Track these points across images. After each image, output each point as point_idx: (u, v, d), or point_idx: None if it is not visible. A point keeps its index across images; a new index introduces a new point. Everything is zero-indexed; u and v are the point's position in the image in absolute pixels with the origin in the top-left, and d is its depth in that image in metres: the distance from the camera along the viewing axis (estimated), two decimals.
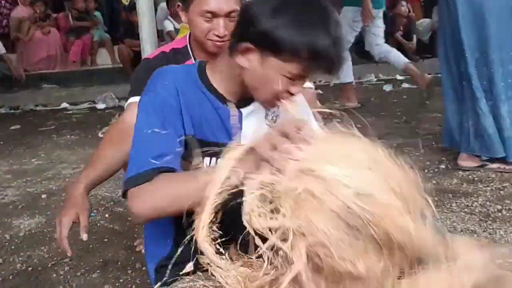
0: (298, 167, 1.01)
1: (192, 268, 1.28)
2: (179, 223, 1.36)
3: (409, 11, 8.71)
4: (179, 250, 1.19)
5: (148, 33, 2.97)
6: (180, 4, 1.79)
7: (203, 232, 1.08)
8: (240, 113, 1.32)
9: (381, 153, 1.07)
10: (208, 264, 1.26)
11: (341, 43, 1.19)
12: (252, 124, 1.34)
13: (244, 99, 1.32)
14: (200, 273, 1.31)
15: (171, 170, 1.18)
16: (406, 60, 5.49)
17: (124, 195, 1.20)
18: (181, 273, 1.28)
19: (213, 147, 1.27)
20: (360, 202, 0.95)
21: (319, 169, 0.99)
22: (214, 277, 1.26)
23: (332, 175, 0.98)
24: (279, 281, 1.11)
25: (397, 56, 5.42)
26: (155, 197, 1.16)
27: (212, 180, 1.08)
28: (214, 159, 1.31)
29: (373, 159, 1.04)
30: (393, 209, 0.97)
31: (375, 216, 0.95)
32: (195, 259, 1.28)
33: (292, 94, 1.24)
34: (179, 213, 1.14)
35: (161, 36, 7.92)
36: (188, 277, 1.31)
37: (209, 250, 1.09)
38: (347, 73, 5.18)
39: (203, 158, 1.29)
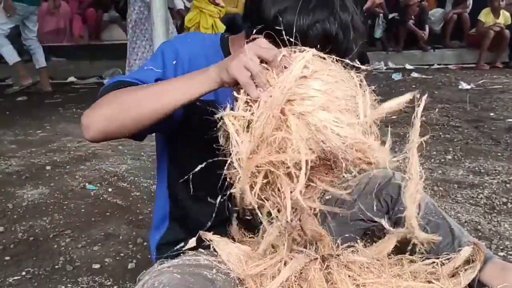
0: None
1: (194, 244, 1.28)
2: (175, 201, 1.36)
3: (422, 0, 8.60)
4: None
5: (158, 7, 2.94)
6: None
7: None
8: None
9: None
10: (210, 240, 1.26)
11: (349, 25, 1.15)
12: None
13: None
14: (202, 250, 1.31)
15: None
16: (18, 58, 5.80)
17: None
18: (184, 248, 1.28)
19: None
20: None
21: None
22: (216, 253, 1.26)
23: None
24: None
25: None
26: (103, 108, 1.09)
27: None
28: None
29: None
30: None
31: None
32: (198, 235, 1.28)
33: None
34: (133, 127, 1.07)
35: (171, 14, 7.87)
36: (192, 251, 1.31)
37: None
38: None
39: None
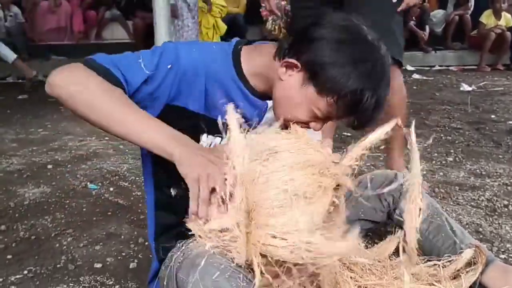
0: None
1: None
2: (159, 203, 1.36)
3: (424, 1, 8.60)
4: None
5: (161, 6, 2.94)
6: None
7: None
8: (266, 105, 1.30)
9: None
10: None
11: (382, 105, 1.15)
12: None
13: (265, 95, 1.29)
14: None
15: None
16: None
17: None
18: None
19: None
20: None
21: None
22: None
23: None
24: None
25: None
26: (82, 94, 1.10)
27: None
28: (219, 138, 1.30)
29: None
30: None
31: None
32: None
33: (308, 127, 1.21)
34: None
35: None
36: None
37: None
38: None
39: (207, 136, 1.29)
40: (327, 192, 1.10)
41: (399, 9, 2.20)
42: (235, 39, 1.34)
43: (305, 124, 1.21)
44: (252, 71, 1.27)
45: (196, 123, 1.25)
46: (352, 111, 1.14)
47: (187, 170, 1.05)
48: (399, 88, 2.34)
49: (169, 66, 1.19)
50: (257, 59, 1.27)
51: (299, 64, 1.15)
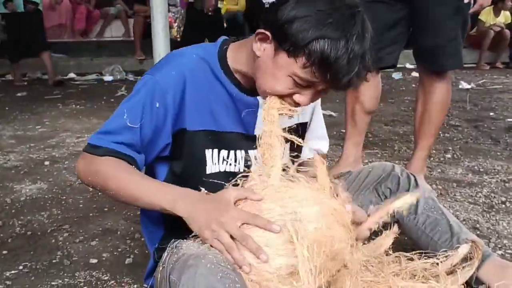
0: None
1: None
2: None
3: None
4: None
5: (159, 2, 2.93)
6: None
7: None
8: (257, 100, 1.29)
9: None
10: None
11: (359, 59, 1.09)
12: None
13: None
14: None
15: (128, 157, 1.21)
16: None
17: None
18: (191, 235, 1.28)
19: (227, 139, 1.28)
20: None
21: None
22: None
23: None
24: None
25: None
26: (98, 179, 1.21)
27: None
28: (224, 151, 1.31)
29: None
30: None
31: None
32: None
33: (296, 104, 1.19)
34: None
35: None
36: (195, 237, 1.30)
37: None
38: None
39: (213, 150, 1.30)
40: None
41: (471, 10, 2.17)
42: (221, 39, 1.33)
43: (291, 100, 1.18)
44: (240, 66, 1.27)
45: (199, 140, 1.27)
46: (326, 67, 1.07)
47: (196, 228, 1.11)
48: (440, 95, 2.34)
49: (157, 105, 1.21)
50: (244, 53, 1.26)
51: (268, 33, 1.14)
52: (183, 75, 1.23)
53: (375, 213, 1.17)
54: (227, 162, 1.31)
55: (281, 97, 1.19)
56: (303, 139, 1.39)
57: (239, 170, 1.31)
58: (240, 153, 1.32)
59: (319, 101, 1.45)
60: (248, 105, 1.29)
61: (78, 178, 1.30)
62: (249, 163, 1.31)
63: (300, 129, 1.40)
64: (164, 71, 1.24)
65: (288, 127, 1.29)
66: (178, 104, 1.23)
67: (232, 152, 1.31)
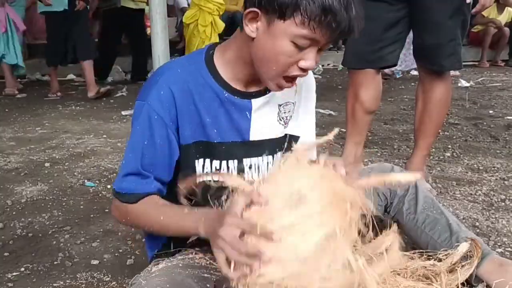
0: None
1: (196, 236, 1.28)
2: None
3: None
4: None
5: (157, 3, 2.93)
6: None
7: None
8: (250, 103, 1.27)
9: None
10: None
11: (353, 2, 1.08)
12: (263, 119, 1.29)
13: (256, 91, 1.27)
14: (199, 248, 1.31)
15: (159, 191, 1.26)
16: None
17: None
18: (187, 241, 1.29)
19: (219, 149, 1.27)
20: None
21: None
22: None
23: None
24: None
25: None
26: (132, 220, 1.28)
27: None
28: (216, 161, 1.29)
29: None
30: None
31: None
32: None
33: (303, 71, 1.16)
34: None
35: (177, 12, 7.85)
36: (189, 249, 1.31)
37: None
38: None
39: (204, 160, 1.29)
40: (355, 225, 1.10)
41: (473, 11, 2.18)
42: (206, 46, 1.31)
43: (298, 69, 1.16)
44: (227, 62, 1.24)
45: (191, 152, 1.27)
46: (324, 15, 1.06)
47: (213, 244, 1.08)
48: (440, 94, 2.35)
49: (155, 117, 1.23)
50: (230, 47, 1.25)
51: (256, 9, 1.11)
52: (170, 92, 1.22)
53: (373, 176, 1.17)
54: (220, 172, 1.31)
55: (287, 71, 1.16)
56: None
57: None
58: (233, 163, 1.30)
59: (312, 117, 1.46)
60: (240, 108, 1.26)
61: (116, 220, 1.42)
62: (241, 173, 1.30)
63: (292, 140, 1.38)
64: (153, 93, 1.23)
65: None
66: (174, 118, 1.23)
67: (224, 162, 1.29)
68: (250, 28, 1.15)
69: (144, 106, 1.22)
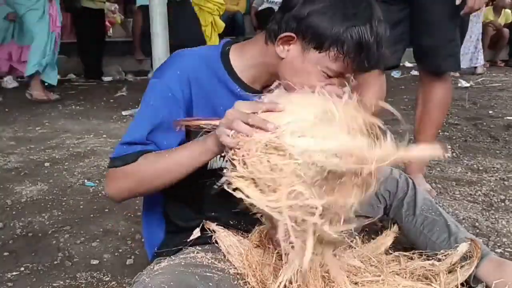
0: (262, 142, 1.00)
1: (199, 234, 1.29)
2: (169, 215, 1.38)
3: None
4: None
5: (157, 2, 2.93)
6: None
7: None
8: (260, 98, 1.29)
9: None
10: (213, 231, 1.27)
11: (382, 40, 1.15)
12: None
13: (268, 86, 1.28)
14: (200, 247, 1.31)
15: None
16: None
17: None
18: (188, 239, 1.29)
19: None
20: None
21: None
22: (217, 246, 1.27)
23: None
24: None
25: None
26: (135, 180, 1.21)
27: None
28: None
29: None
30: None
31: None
32: (201, 225, 1.29)
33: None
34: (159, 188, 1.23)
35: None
36: (191, 248, 1.32)
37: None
38: None
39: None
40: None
41: (461, 12, 2.18)
42: (223, 41, 1.34)
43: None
44: (246, 65, 1.27)
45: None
46: (358, 54, 1.13)
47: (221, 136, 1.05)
48: (440, 94, 2.35)
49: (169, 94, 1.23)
50: (249, 52, 1.27)
51: (292, 34, 1.16)
52: (187, 75, 1.24)
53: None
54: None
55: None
56: None
57: None
58: None
59: None
60: None
61: (111, 198, 1.29)
62: None
63: None
64: (169, 72, 1.25)
65: None
66: (188, 101, 1.24)
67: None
68: (281, 49, 1.19)
69: (158, 83, 1.24)
